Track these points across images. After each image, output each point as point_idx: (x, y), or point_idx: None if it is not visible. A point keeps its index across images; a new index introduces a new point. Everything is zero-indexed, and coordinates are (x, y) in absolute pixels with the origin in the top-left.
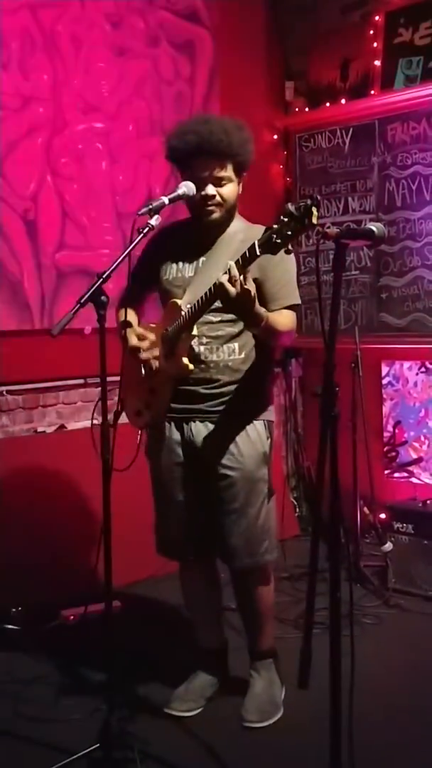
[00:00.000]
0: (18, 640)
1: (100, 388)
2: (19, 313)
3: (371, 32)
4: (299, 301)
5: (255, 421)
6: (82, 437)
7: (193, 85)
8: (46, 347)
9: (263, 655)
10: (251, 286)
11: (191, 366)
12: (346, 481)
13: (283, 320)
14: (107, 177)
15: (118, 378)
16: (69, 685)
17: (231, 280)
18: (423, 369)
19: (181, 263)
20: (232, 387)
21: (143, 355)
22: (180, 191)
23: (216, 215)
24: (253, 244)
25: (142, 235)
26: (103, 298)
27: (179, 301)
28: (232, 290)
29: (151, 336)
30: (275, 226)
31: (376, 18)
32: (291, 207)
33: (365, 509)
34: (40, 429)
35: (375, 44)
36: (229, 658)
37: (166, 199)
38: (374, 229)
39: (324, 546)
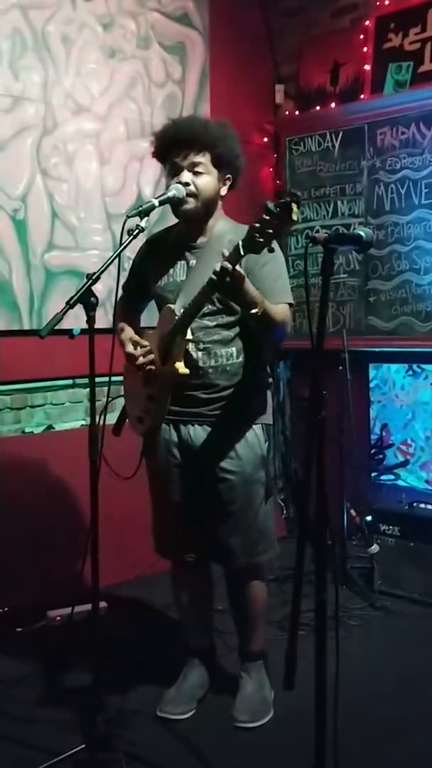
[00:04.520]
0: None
1: (88, 389)
2: (7, 313)
3: (361, 37)
4: (292, 300)
5: (253, 425)
6: (70, 438)
7: (184, 87)
8: (34, 347)
9: (254, 657)
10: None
11: (186, 370)
12: (332, 483)
13: (278, 310)
14: (97, 178)
15: (106, 379)
16: (55, 685)
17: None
18: (410, 372)
19: (171, 269)
20: (231, 391)
21: (140, 362)
22: (170, 193)
23: (189, 206)
24: (237, 244)
25: (132, 237)
26: (92, 299)
27: (173, 306)
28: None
29: (148, 343)
30: (257, 225)
31: (367, 23)
32: (270, 205)
33: (352, 511)
34: (27, 429)
35: (365, 49)
36: (218, 659)
37: (156, 201)
38: (362, 234)
39: (310, 548)
